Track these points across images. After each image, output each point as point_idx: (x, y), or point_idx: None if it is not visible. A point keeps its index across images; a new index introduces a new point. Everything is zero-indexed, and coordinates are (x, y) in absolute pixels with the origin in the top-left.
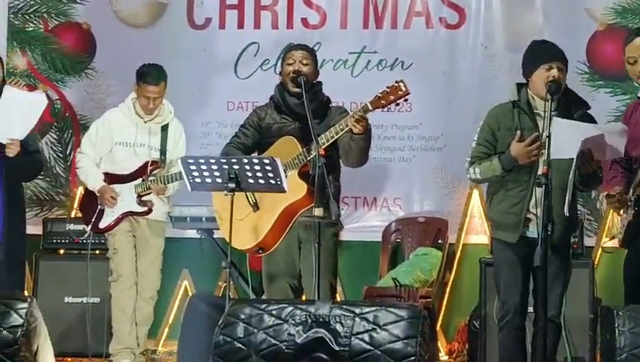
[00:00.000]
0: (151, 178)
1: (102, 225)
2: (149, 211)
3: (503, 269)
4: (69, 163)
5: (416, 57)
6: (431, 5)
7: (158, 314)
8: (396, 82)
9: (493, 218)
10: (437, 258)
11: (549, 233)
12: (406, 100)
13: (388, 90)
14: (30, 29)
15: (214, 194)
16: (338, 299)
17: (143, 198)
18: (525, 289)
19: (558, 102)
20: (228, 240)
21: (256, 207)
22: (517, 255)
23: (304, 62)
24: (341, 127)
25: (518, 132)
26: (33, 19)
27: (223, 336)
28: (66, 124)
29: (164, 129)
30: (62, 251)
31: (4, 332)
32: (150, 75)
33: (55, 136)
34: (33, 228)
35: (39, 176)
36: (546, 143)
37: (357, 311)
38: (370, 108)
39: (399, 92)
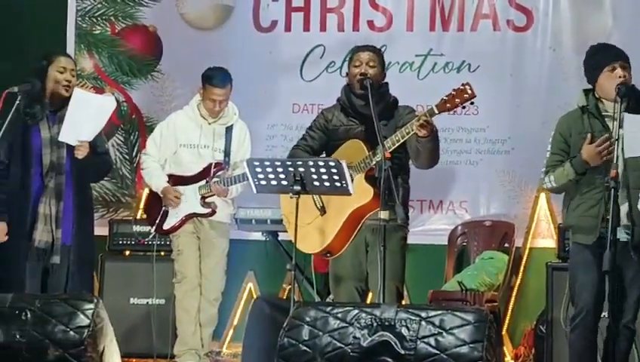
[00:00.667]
0: (214, 180)
1: (166, 226)
2: (213, 213)
3: (578, 271)
4: (135, 164)
5: (483, 60)
6: (498, 7)
7: (223, 315)
8: (462, 85)
9: (571, 223)
10: (503, 262)
11: (629, 235)
12: (472, 103)
13: (454, 92)
14: (97, 31)
15: (282, 199)
16: (403, 302)
17: (207, 200)
18: (599, 292)
19: (627, 103)
20: (296, 243)
21: (323, 210)
22: (593, 256)
23: (371, 64)
24: (407, 130)
25: (589, 134)
26: (100, 22)
27: (288, 339)
28: (132, 126)
29: (229, 130)
30: (127, 252)
31: (71, 332)
32: (216, 78)
33: (121, 138)
34: (99, 230)
35: (105, 178)
36: (616, 145)
37: (423, 314)
38: (437, 111)
39: (465, 95)
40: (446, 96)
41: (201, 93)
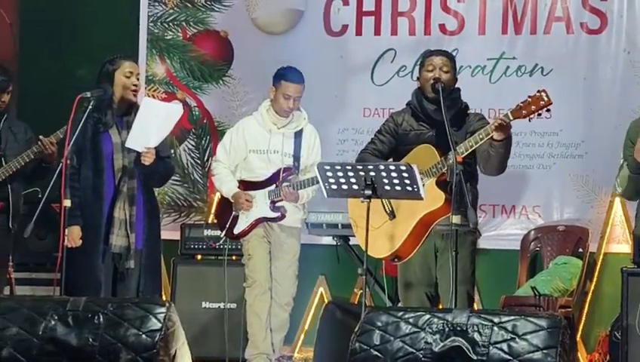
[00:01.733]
0: (284, 184)
1: (236, 230)
2: (282, 217)
3: None
4: (206, 169)
5: (556, 63)
6: (572, 10)
7: (294, 320)
8: (538, 92)
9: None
10: (577, 267)
11: None
12: (548, 110)
13: (529, 99)
14: (169, 37)
15: (350, 203)
16: (476, 308)
17: (277, 204)
18: None
19: None
20: (364, 248)
21: (392, 215)
22: None
23: (444, 69)
24: (480, 136)
25: None
26: (172, 27)
27: (359, 344)
28: (203, 130)
29: (298, 135)
30: (199, 256)
31: (143, 336)
32: (291, 74)
33: (193, 143)
34: (171, 234)
35: (177, 182)
36: None
37: (495, 320)
38: (511, 117)
39: (541, 102)
40: (522, 102)
41: (272, 93)
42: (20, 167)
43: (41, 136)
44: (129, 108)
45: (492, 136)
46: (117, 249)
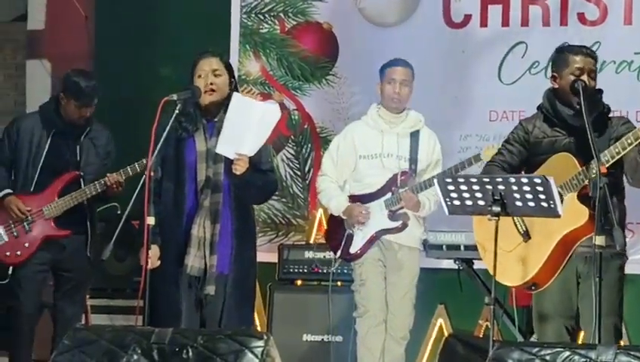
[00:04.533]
0: (402, 190)
1: (352, 250)
2: (404, 226)
3: None
4: (307, 181)
5: None
6: None
7: (410, 355)
8: None
9: None
10: None
11: None
12: None
13: None
14: (265, 30)
15: (476, 222)
16: (622, 343)
17: (396, 213)
18: None
19: None
20: (495, 276)
21: (527, 236)
22: None
23: (592, 75)
24: (629, 141)
25: None
26: (268, 19)
27: None
28: (304, 137)
29: (414, 136)
30: (299, 282)
31: None
32: (396, 60)
33: (292, 152)
34: (268, 256)
35: (274, 197)
36: None
37: None
38: None
39: None
40: None
41: (379, 88)
42: (82, 200)
43: (108, 174)
44: (218, 111)
45: None
46: (193, 271)
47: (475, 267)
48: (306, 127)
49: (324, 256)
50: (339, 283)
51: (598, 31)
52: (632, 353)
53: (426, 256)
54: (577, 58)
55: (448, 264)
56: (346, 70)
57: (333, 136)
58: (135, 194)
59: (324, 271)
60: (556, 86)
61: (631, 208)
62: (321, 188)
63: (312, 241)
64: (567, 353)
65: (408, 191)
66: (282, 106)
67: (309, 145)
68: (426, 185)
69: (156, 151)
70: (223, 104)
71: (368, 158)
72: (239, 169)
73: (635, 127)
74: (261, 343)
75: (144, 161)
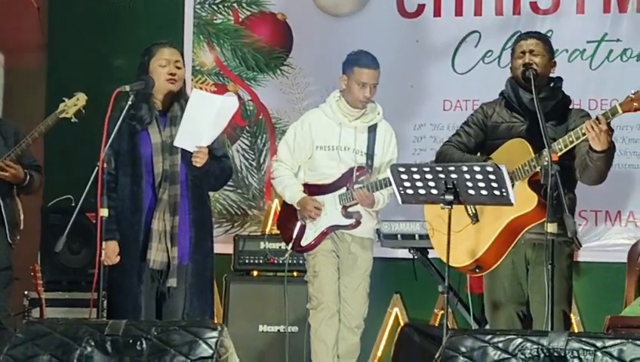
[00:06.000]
0: (357, 186)
1: (304, 242)
2: (357, 224)
3: None
4: (263, 172)
5: None
6: None
7: (366, 345)
8: None
9: None
10: None
11: None
12: None
13: None
14: (218, 21)
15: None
16: (575, 330)
17: (349, 209)
18: None
19: None
20: (442, 257)
21: (475, 218)
22: None
23: (534, 52)
24: (582, 131)
25: None
26: (222, 9)
27: None
28: (259, 128)
29: (372, 130)
30: (255, 273)
31: None
32: (365, 58)
33: (247, 142)
34: (223, 247)
35: (229, 188)
36: None
37: (598, 344)
38: (620, 111)
39: None
40: (632, 93)
41: (344, 82)
42: None
43: None
44: (172, 102)
45: (590, 146)
46: (156, 265)
47: (429, 256)
48: (260, 117)
49: (280, 247)
50: (295, 273)
51: (551, 20)
52: (583, 339)
53: (381, 246)
54: (520, 43)
55: (403, 253)
56: (301, 60)
57: (287, 126)
58: (88, 186)
59: (280, 261)
60: (511, 75)
61: (585, 196)
62: (276, 175)
63: (267, 232)
64: (520, 340)
65: (364, 189)
66: (237, 97)
67: (264, 136)
68: (382, 185)
69: (109, 142)
70: (177, 96)
71: (325, 150)
72: (199, 161)
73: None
74: (215, 334)
75: (56, 114)
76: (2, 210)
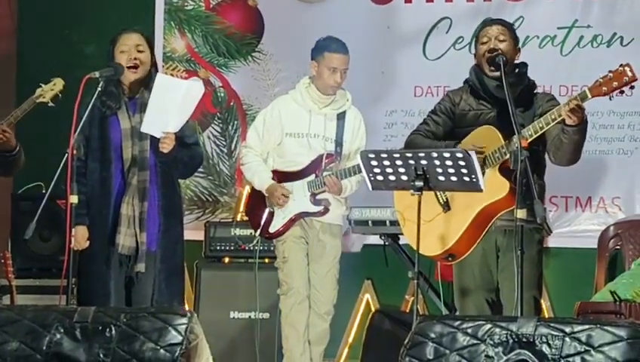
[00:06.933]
0: (325, 173)
1: (272, 229)
2: (326, 211)
3: None
4: (234, 159)
5: (638, 32)
6: None
7: (336, 331)
8: (621, 66)
9: None
10: None
11: None
12: (632, 88)
13: (611, 75)
14: (189, 7)
15: (396, 192)
16: (546, 315)
17: (318, 197)
18: None
19: None
20: (413, 246)
21: (447, 207)
22: None
23: (500, 38)
24: (552, 116)
25: None
26: None
27: (410, 358)
28: (230, 114)
29: (341, 117)
30: (226, 259)
31: (162, 351)
32: (335, 44)
33: (218, 129)
34: (194, 234)
35: (201, 175)
36: None
37: (567, 329)
38: (589, 95)
39: (624, 78)
40: (601, 78)
41: (314, 68)
42: None
43: None
44: (139, 88)
45: (564, 121)
46: (124, 250)
47: (400, 242)
48: (232, 104)
49: (251, 233)
50: (266, 259)
51: (522, 6)
52: (552, 324)
53: (351, 232)
54: (485, 29)
55: (374, 239)
56: (272, 47)
57: (258, 112)
58: (57, 173)
59: (251, 248)
60: (475, 62)
61: (555, 182)
62: (245, 161)
63: (238, 218)
64: (489, 326)
65: (332, 176)
66: (208, 83)
67: (236, 123)
68: (351, 173)
69: (79, 129)
70: (145, 81)
71: (294, 137)
72: (166, 147)
73: (560, 104)
74: (184, 320)
75: (33, 98)
76: None
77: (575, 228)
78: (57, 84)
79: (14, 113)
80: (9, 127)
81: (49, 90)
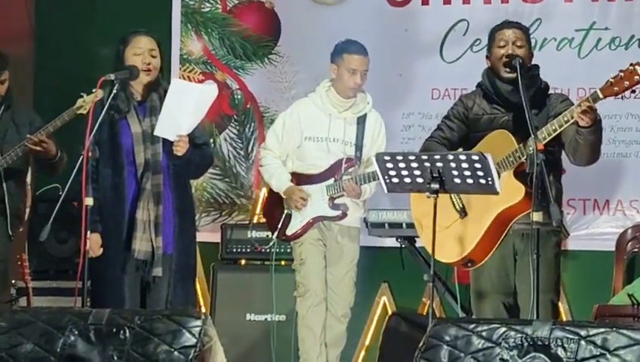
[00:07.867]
0: (345, 177)
1: (289, 231)
2: (343, 216)
3: None
4: (251, 161)
5: None
6: None
7: (353, 334)
8: (631, 65)
9: None
10: None
11: None
12: None
13: (621, 74)
14: (206, 9)
15: (413, 199)
16: (564, 318)
17: (336, 201)
18: None
19: None
20: (429, 250)
21: (463, 213)
22: None
23: (518, 43)
24: (565, 118)
25: None
26: None
27: (424, 361)
28: (247, 116)
29: (361, 121)
30: (243, 261)
31: (176, 353)
32: (355, 45)
33: (235, 131)
34: (210, 236)
35: (217, 177)
36: None
37: (582, 333)
38: (601, 96)
39: (636, 77)
40: (612, 78)
41: (334, 71)
42: (6, 166)
43: (28, 135)
44: (149, 91)
45: (577, 122)
46: (141, 255)
47: (417, 245)
48: (248, 106)
49: (267, 236)
50: (282, 262)
51: (539, 8)
52: (567, 328)
53: (368, 235)
54: (502, 32)
55: (391, 242)
56: (289, 49)
57: (276, 115)
58: (73, 175)
59: (267, 250)
60: (489, 64)
61: (573, 185)
62: (264, 163)
63: (255, 221)
64: (504, 329)
65: (351, 181)
66: (225, 85)
67: (252, 125)
68: (370, 178)
69: (94, 130)
70: (154, 85)
71: (314, 141)
72: (180, 150)
73: (573, 105)
74: (199, 323)
75: (73, 109)
76: (6, 200)
77: (593, 231)
78: (98, 95)
79: (53, 123)
80: (47, 137)
81: (90, 103)
